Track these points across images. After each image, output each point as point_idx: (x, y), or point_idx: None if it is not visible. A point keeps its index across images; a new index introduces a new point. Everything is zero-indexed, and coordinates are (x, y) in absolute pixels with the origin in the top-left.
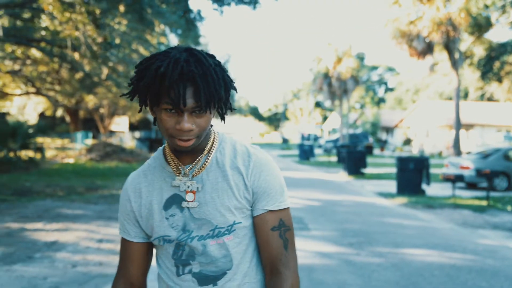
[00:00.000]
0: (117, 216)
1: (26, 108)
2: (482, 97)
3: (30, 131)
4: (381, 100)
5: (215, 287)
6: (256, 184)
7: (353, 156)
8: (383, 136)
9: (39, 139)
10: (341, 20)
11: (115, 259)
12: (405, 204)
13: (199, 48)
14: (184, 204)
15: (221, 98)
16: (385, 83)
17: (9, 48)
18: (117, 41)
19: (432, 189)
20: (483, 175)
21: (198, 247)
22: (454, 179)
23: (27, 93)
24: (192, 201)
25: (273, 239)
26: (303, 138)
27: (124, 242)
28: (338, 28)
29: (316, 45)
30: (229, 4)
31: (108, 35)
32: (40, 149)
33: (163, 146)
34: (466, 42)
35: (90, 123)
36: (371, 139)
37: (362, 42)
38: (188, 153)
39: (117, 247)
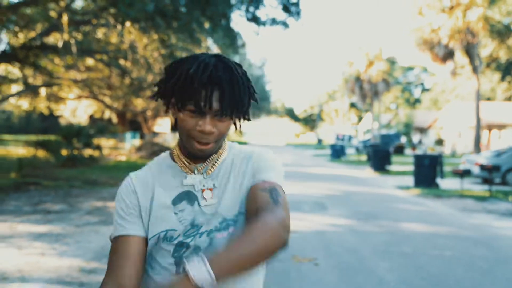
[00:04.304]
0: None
1: (78, 111)
2: (510, 98)
3: (91, 132)
4: (417, 101)
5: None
6: (256, 166)
7: (379, 154)
8: (416, 136)
9: (97, 139)
10: (374, 24)
11: None
12: (418, 194)
13: (237, 55)
14: (203, 203)
15: (244, 105)
16: (422, 84)
17: (70, 59)
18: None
19: (448, 184)
20: (485, 169)
21: (205, 241)
22: (462, 174)
23: (80, 97)
24: (211, 198)
25: (261, 196)
26: (337, 138)
27: (119, 241)
28: (370, 33)
29: (348, 49)
30: (264, 24)
31: (174, 51)
32: (98, 147)
33: (167, 151)
34: (490, 46)
35: (135, 124)
36: (403, 140)
37: (397, 42)
38: (202, 158)
39: None
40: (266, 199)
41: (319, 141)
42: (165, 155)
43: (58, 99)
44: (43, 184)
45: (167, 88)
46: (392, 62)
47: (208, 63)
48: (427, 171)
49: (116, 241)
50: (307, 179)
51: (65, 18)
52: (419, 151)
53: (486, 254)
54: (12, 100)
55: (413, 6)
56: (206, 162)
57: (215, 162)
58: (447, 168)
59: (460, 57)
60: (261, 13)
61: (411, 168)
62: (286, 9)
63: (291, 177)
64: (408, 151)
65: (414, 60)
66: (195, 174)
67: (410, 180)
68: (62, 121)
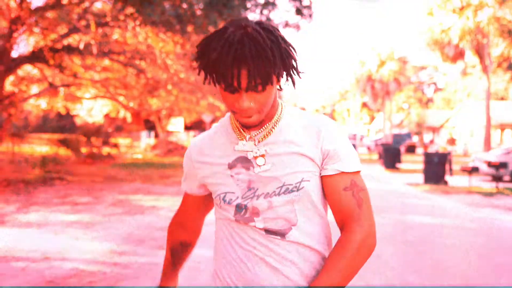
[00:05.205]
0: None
1: (93, 110)
2: None
3: (109, 130)
4: (430, 100)
5: (282, 240)
6: (326, 146)
7: (390, 152)
8: (429, 136)
9: (114, 138)
10: (386, 24)
11: None
12: (427, 190)
13: None
14: (257, 170)
15: (280, 74)
16: (435, 83)
17: (89, 60)
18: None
19: (457, 181)
20: (493, 166)
21: (263, 204)
22: (471, 171)
23: (96, 96)
24: (263, 164)
25: (345, 198)
26: (350, 138)
27: (184, 194)
28: (382, 33)
29: (360, 49)
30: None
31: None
32: (116, 145)
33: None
34: (502, 45)
35: (149, 124)
36: (415, 139)
37: (410, 42)
38: (253, 127)
39: None
40: (351, 203)
41: None
42: (226, 118)
43: (75, 99)
44: (67, 179)
45: (200, 68)
46: (404, 61)
47: (232, 42)
48: (436, 168)
49: (184, 193)
50: None
51: (93, 25)
52: (431, 150)
53: (485, 242)
54: (31, 100)
55: (423, 6)
56: (262, 129)
57: (271, 129)
58: (458, 167)
59: (471, 57)
60: (275, 15)
61: (421, 166)
62: (299, 12)
63: None
64: (420, 150)
65: (426, 60)
66: (246, 140)
67: (420, 178)
68: (78, 120)
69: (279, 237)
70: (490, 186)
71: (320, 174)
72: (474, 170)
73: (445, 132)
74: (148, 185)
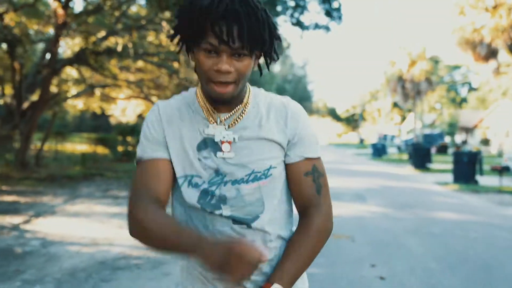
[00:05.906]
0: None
1: (127, 110)
2: None
3: None
4: (464, 100)
5: (249, 228)
6: (293, 132)
7: (420, 152)
8: (462, 136)
9: None
10: (417, 23)
11: None
12: (456, 189)
13: (281, 55)
14: (220, 154)
15: (265, 42)
16: (469, 83)
17: (125, 61)
18: None
19: (489, 181)
20: None
21: (231, 191)
22: (501, 170)
23: (130, 97)
24: (228, 151)
25: (306, 184)
26: (379, 138)
27: (149, 163)
28: (413, 32)
29: (390, 49)
30: (307, 28)
31: None
32: None
33: (194, 89)
34: None
35: None
36: (446, 139)
37: (442, 41)
38: (224, 103)
39: None
40: (311, 189)
41: (361, 140)
42: (192, 94)
43: (110, 99)
44: (106, 175)
45: (182, 26)
46: (436, 61)
47: None
48: (466, 167)
49: (146, 163)
50: (348, 175)
51: (133, 29)
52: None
53: (509, 236)
54: (69, 100)
55: (455, 5)
56: (232, 112)
57: (241, 114)
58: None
59: (505, 56)
60: (305, 18)
61: (452, 166)
62: (328, 14)
63: (333, 173)
64: (452, 150)
65: (458, 59)
66: (217, 124)
67: (450, 177)
68: (112, 120)
69: (245, 226)
70: None
71: (284, 161)
72: (504, 170)
73: (479, 133)
74: None
